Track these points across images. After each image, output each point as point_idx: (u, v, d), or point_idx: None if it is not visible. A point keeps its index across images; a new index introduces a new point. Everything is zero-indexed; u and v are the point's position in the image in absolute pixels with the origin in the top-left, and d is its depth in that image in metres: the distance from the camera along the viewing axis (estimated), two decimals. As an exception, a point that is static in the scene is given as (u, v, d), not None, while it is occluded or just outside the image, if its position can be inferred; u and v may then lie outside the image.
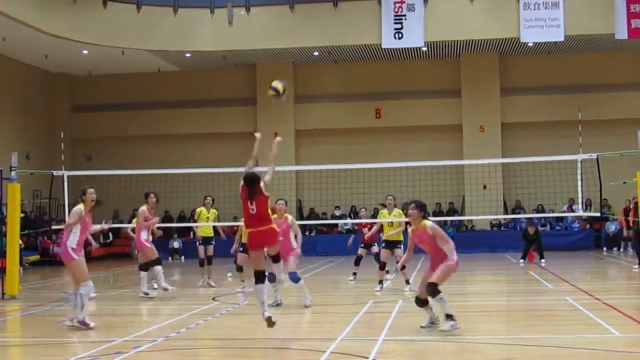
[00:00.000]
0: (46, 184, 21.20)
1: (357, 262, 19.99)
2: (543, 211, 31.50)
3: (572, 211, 30.22)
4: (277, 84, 12.25)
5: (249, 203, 11.09)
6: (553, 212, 31.41)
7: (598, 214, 24.30)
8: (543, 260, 24.38)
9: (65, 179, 20.29)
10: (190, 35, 30.98)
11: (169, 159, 32.35)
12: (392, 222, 17.52)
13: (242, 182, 11.22)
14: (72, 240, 12.26)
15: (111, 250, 33.30)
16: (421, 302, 11.32)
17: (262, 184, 11.17)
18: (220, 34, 30.95)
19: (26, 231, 23.37)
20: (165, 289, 16.36)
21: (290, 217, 15.21)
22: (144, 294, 16.44)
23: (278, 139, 11.64)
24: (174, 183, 27.71)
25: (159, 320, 13.21)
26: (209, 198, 20.00)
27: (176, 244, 32.12)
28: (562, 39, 29.08)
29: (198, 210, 20.05)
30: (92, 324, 11.99)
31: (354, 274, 19.93)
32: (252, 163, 11.36)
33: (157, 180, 26.31)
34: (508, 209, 32.90)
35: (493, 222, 32.99)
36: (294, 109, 34.40)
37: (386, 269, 17.79)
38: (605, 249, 30.74)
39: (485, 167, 29.20)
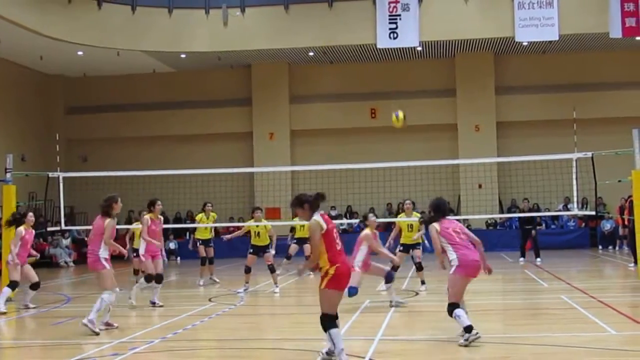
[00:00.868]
0: (42, 185, 21.17)
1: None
2: (538, 210, 31.54)
3: (568, 210, 30.27)
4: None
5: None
6: (549, 210, 31.45)
7: (593, 213, 24.32)
8: (539, 259, 24.40)
9: (61, 180, 20.30)
10: (185, 36, 30.98)
11: (165, 160, 32.35)
12: (411, 226, 17.35)
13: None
14: (104, 250, 12.41)
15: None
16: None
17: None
18: (215, 34, 30.95)
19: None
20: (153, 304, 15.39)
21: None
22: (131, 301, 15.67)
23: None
24: (170, 184, 27.71)
25: (156, 321, 13.22)
26: (209, 205, 20.31)
27: (172, 245, 32.15)
28: (557, 38, 29.11)
29: (198, 217, 20.47)
30: (97, 330, 11.81)
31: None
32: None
33: (153, 181, 26.34)
34: (503, 208, 32.95)
35: (489, 222, 33.03)
36: (289, 109, 34.44)
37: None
38: (600, 247, 30.80)
39: (481, 166, 29.26)
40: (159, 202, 15.80)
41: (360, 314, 13.29)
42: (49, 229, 27.29)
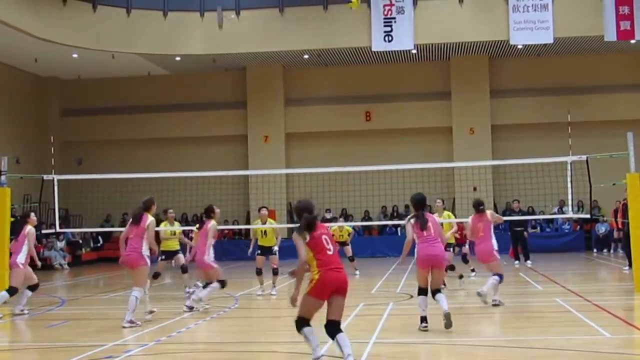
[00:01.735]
0: (36, 188, 21.16)
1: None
2: (533, 213, 31.55)
3: (563, 213, 30.29)
4: None
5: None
6: (543, 213, 31.46)
7: (588, 216, 24.34)
8: (529, 262, 24.42)
9: (56, 183, 20.27)
10: (180, 38, 30.95)
11: (160, 163, 32.35)
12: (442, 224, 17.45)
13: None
14: (146, 248, 13.14)
15: (102, 254, 33.20)
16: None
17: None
18: (210, 37, 30.93)
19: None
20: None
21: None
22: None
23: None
24: (165, 187, 27.68)
25: (150, 324, 13.20)
26: (171, 211, 18.47)
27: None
28: (552, 41, 29.17)
29: (163, 224, 18.13)
30: (139, 323, 12.83)
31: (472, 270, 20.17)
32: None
33: (148, 183, 26.29)
34: (498, 210, 32.93)
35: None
36: (284, 112, 34.43)
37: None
38: (595, 250, 30.81)
39: (475, 169, 29.26)
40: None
41: (355, 317, 13.29)
42: (43, 231, 27.27)
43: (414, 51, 31.30)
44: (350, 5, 17.39)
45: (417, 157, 29.90)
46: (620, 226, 23.42)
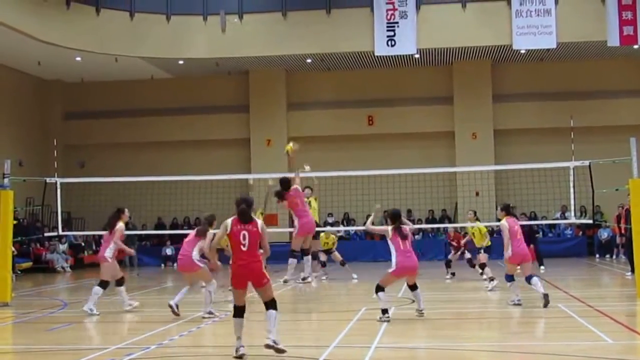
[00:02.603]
0: (39, 191, 21.16)
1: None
2: (535, 218, 31.53)
3: (565, 218, 30.25)
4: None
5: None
6: (546, 219, 31.44)
7: (590, 221, 24.29)
8: (542, 267, 24.07)
9: (58, 186, 20.30)
10: (183, 42, 30.99)
11: (162, 166, 32.32)
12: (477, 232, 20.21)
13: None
14: (197, 252, 14.17)
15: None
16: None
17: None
18: (213, 41, 30.96)
19: (19, 238, 23.29)
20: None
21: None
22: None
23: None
24: (167, 190, 27.71)
25: (152, 327, 13.19)
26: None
27: (169, 251, 32.10)
28: (555, 46, 29.17)
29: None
30: (217, 313, 14.04)
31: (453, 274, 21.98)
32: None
33: (150, 187, 26.34)
34: (501, 216, 32.88)
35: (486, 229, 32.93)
36: (286, 115, 34.43)
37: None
38: (597, 255, 30.76)
39: (478, 174, 29.22)
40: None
41: (358, 322, 13.28)
42: (46, 234, 27.32)
43: (417, 56, 31.32)
44: (287, 149, 17.83)
45: (420, 161, 29.92)
46: (622, 232, 23.40)
